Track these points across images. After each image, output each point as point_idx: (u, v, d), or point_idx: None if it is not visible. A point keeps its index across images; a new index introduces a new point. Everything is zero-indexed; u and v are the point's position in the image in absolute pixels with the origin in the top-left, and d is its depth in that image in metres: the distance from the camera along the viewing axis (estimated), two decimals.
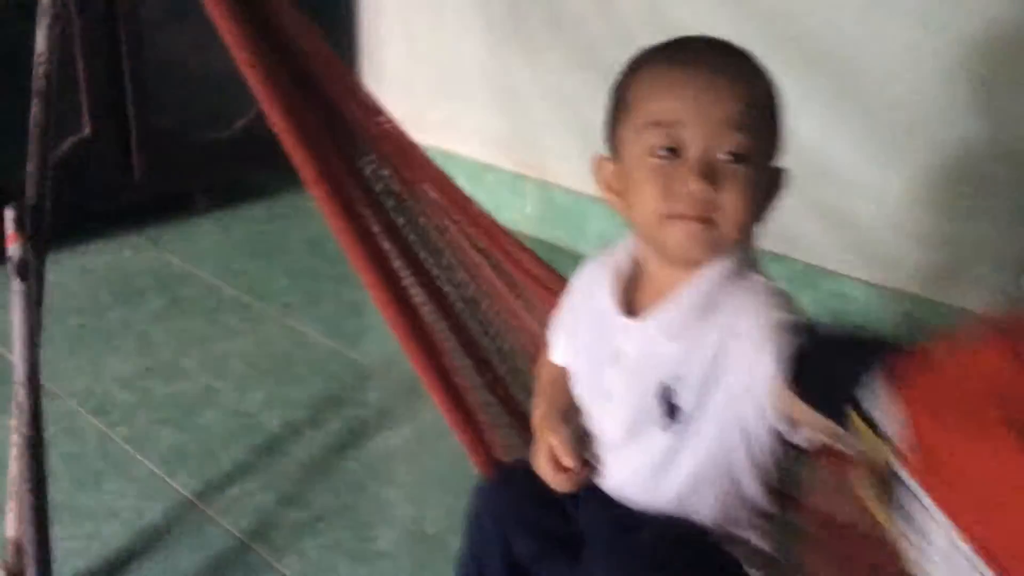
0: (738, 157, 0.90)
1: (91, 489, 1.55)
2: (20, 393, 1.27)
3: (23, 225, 1.30)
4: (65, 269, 2.25)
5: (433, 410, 1.79)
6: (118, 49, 2.36)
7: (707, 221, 0.90)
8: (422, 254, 1.33)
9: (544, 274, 1.27)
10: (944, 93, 1.83)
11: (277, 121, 1.18)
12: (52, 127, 1.30)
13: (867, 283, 2.03)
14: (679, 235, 0.92)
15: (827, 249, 2.07)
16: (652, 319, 0.96)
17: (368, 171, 1.32)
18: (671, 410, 0.95)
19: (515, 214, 2.50)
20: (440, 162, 1.35)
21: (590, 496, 1.03)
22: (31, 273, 1.30)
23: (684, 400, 0.94)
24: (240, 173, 2.68)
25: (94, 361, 1.91)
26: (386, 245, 1.29)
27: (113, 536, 1.46)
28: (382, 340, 2.01)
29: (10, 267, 1.27)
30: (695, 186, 0.89)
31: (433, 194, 1.33)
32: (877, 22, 1.88)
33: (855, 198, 2.01)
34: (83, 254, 2.34)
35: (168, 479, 1.59)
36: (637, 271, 1.01)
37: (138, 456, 1.64)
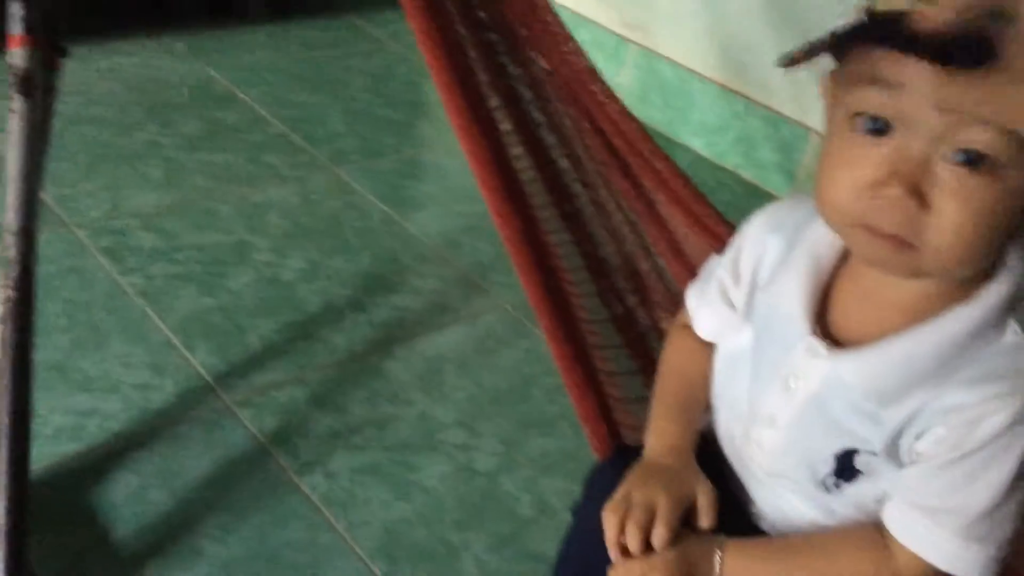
0: (977, 161, 0.58)
1: (93, 352, 1.31)
2: (11, 244, 1.01)
3: (32, 26, 1.01)
4: (90, 70, 1.94)
5: (494, 311, 1.55)
6: None
7: (905, 245, 0.61)
8: (543, 133, 1.05)
9: (696, 204, 0.98)
10: None
11: None
12: None
13: None
14: (866, 251, 0.64)
15: None
16: (852, 364, 0.67)
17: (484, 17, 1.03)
18: (847, 475, 0.70)
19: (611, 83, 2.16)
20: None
21: (724, 502, 0.78)
22: (37, 89, 1.02)
23: (869, 467, 0.69)
24: None
25: (113, 188, 1.64)
26: (493, 104, 1.00)
27: (112, 416, 1.23)
28: (445, 214, 1.74)
29: (10, 78, 0.99)
30: (894, 195, 0.59)
31: (555, 64, 1.04)
32: None
33: None
34: (113, 54, 2.03)
35: (185, 352, 1.35)
36: (840, 264, 0.71)
37: (153, 317, 1.39)
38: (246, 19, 2.25)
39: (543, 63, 1.06)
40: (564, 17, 1.07)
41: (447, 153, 1.87)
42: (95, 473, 1.15)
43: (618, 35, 2.22)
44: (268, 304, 1.46)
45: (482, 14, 1.03)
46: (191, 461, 1.19)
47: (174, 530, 1.10)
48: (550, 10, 1.05)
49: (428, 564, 1.12)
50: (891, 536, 0.68)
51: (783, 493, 0.75)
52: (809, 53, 0.62)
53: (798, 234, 0.72)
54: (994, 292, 0.64)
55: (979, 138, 0.57)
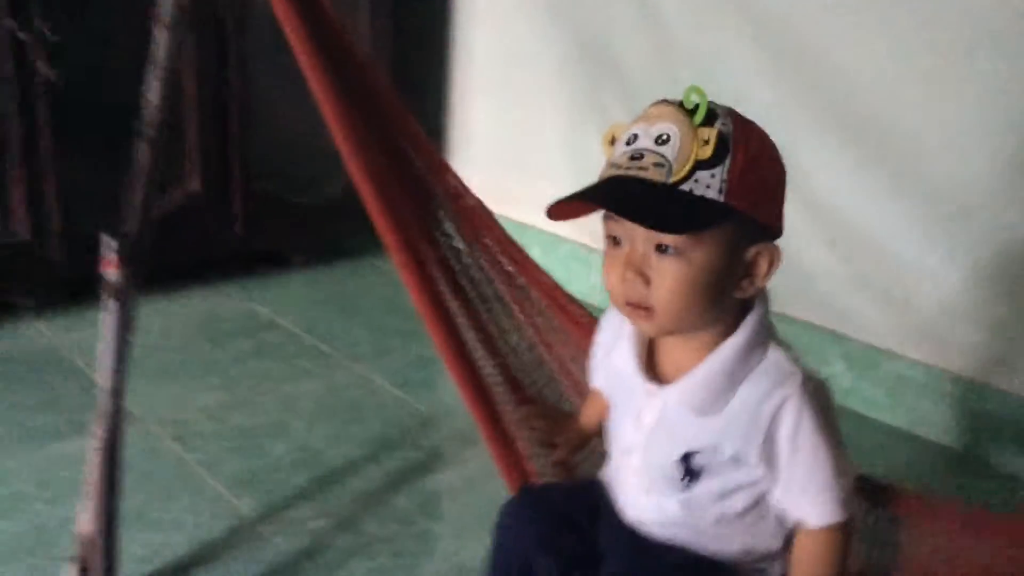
0: (666, 250, 0.94)
1: (163, 504, 1.69)
2: (104, 402, 1.42)
3: (123, 254, 1.46)
4: (163, 312, 2.45)
5: (480, 458, 1.88)
6: (227, 110, 2.58)
7: (646, 310, 0.97)
8: (484, 315, 1.43)
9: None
10: (1004, 177, 1.86)
11: (365, 190, 1.25)
12: (156, 172, 1.46)
13: (925, 365, 2.03)
14: (631, 318, 1.00)
15: (885, 329, 2.09)
16: (674, 391, 1.02)
17: (444, 240, 1.42)
18: (692, 475, 1.02)
19: (584, 284, 2.60)
20: (517, 233, 1.44)
21: (610, 517, 1.10)
22: (126, 298, 1.46)
23: (706, 466, 1.01)
24: (332, 236, 2.87)
25: (180, 394, 2.08)
26: (453, 305, 1.38)
27: (178, 546, 1.58)
28: (442, 392, 2.14)
29: (107, 290, 1.42)
30: (631, 277, 0.96)
31: (504, 261, 1.44)
32: (938, 101, 1.92)
33: (913, 279, 2.03)
34: (181, 298, 2.54)
35: (234, 500, 1.71)
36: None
37: (209, 479, 1.77)
38: (287, 268, 2.77)
39: (513, 290, 1.46)
40: (546, 237, 1.45)
41: None
42: None
43: (590, 247, 2.68)
44: (300, 463, 1.83)
45: (461, 268, 1.41)
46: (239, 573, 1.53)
47: None
48: (518, 249, 1.43)
49: None
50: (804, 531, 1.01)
51: (655, 499, 1.06)
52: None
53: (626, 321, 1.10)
54: (746, 326, 1.01)
55: (665, 239, 0.95)
